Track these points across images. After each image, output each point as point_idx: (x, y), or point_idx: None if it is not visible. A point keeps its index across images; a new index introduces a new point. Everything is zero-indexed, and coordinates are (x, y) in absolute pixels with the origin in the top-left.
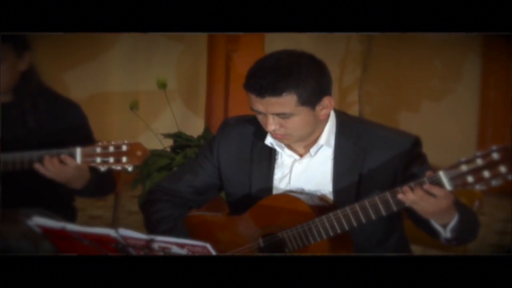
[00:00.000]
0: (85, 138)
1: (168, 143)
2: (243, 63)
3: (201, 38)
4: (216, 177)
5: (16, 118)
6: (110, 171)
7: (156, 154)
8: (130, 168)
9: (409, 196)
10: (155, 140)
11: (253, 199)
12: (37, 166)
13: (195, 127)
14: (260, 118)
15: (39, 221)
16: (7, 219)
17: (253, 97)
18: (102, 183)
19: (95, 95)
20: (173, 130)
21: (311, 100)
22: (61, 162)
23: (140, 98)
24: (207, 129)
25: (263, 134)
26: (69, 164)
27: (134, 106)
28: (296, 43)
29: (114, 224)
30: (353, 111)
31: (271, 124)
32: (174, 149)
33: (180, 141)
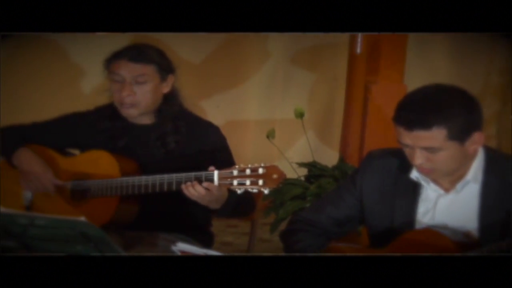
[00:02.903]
0: (225, 159)
1: (302, 172)
2: (381, 95)
3: (339, 68)
4: (357, 210)
5: (157, 139)
6: (250, 193)
7: (290, 183)
8: (266, 191)
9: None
10: (289, 168)
11: (395, 232)
12: (182, 187)
13: (329, 157)
14: (407, 151)
15: (183, 247)
16: (146, 242)
17: (401, 130)
18: (241, 204)
19: (231, 122)
20: (307, 159)
21: (460, 135)
22: (202, 186)
23: (276, 126)
24: (341, 159)
25: (407, 167)
26: (211, 189)
27: (271, 135)
28: (433, 77)
29: (249, 251)
30: (491, 145)
31: (418, 158)
32: (308, 178)
33: (315, 170)
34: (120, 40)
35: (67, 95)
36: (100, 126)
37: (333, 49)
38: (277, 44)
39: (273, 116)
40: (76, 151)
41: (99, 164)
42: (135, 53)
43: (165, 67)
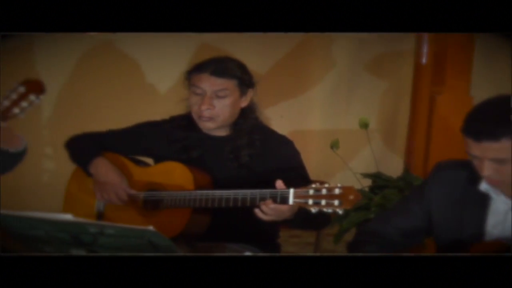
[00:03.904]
0: (298, 174)
1: (366, 182)
2: (447, 106)
3: (404, 77)
4: (425, 221)
5: (231, 152)
6: None
7: None
8: (340, 212)
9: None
10: (353, 179)
11: (463, 244)
12: (256, 211)
13: (394, 168)
14: (475, 163)
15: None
16: (214, 252)
17: (470, 141)
18: (313, 218)
19: (294, 132)
20: (371, 170)
21: None
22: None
23: (339, 136)
24: (406, 171)
25: (476, 179)
26: (284, 209)
27: (335, 145)
28: (500, 88)
29: None
30: None
31: (487, 170)
32: (372, 189)
33: (379, 181)
34: (186, 42)
35: (141, 102)
36: (175, 136)
37: (398, 58)
38: (342, 52)
39: (337, 126)
40: (149, 160)
41: (174, 176)
42: (218, 67)
43: (246, 82)
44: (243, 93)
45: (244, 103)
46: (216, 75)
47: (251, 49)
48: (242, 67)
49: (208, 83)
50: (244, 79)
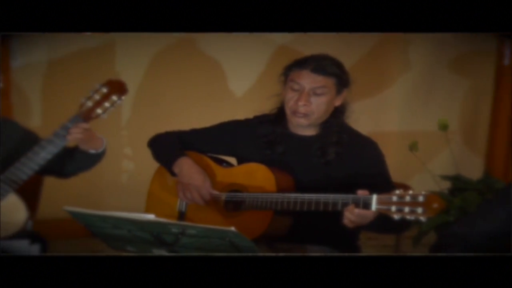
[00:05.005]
0: (382, 177)
1: (445, 185)
2: None
3: (487, 78)
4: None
5: (318, 149)
6: None
7: None
8: (423, 219)
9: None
10: (431, 181)
11: None
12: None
13: (474, 170)
14: None
15: None
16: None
17: None
18: (392, 222)
19: (370, 133)
20: (450, 172)
21: None
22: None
23: (417, 138)
24: (486, 174)
25: None
26: (366, 215)
27: (413, 147)
28: None
29: None
30: None
31: None
32: (451, 191)
33: (458, 184)
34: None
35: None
36: (261, 131)
37: (478, 58)
38: (420, 53)
39: (414, 127)
40: (232, 160)
41: (256, 177)
42: (319, 65)
43: (343, 81)
44: (339, 92)
45: (338, 102)
46: (317, 72)
47: (327, 51)
48: (340, 66)
49: (308, 80)
50: (342, 78)
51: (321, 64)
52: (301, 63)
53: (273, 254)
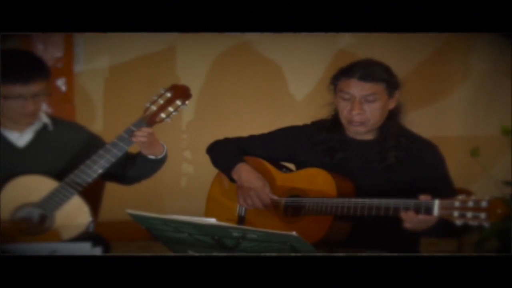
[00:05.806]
0: (443, 181)
1: (507, 190)
2: None
3: None
4: None
5: (378, 153)
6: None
7: None
8: (487, 225)
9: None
10: (493, 187)
11: None
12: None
13: None
14: None
15: None
16: None
17: None
18: (452, 227)
19: (432, 138)
20: None
21: None
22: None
23: (479, 143)
24: None
25: None
26: (428, 220)
27: (475, 153)
28: None
29: None
30: None
31: None
32: None
33: None
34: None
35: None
36: (319, 138)
37: None
38: (482, 58)
39: (475, 132)
40: (291, 166)
41: (316, 182)
42: (366, 72)
43: (393, 84)
44: (390, 95)
45: (392, 104)
46: (364, 79)
47: (386, 55)
48: (387, 70)
49: (357, 88)
50: (391, 82)
51: (367, 71)
52: (347, 72)
53: (333, 254)
